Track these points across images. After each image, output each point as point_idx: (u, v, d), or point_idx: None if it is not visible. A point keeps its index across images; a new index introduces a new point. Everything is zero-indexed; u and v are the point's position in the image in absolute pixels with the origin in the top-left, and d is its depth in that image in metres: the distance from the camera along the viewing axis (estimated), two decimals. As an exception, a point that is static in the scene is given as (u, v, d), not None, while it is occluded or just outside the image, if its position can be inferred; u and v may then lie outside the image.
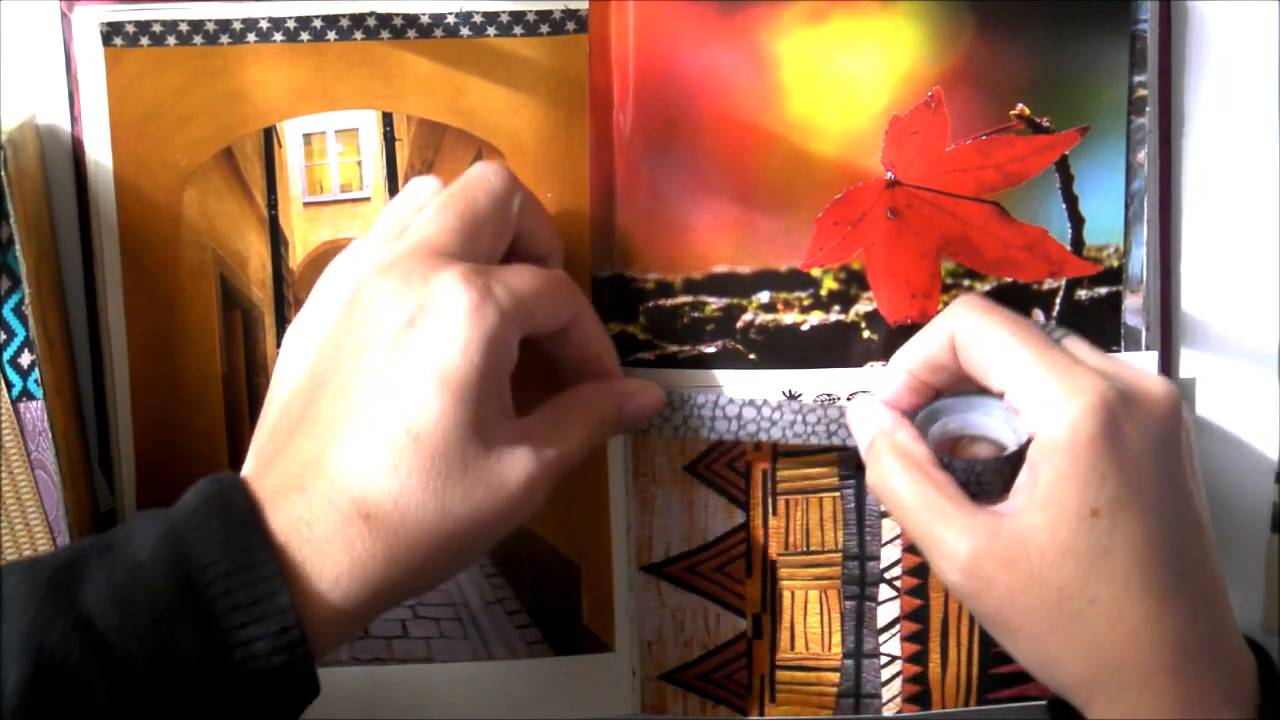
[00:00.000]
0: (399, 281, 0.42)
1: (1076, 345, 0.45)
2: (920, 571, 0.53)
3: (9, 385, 0.48)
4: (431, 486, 0.40)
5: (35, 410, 0.48)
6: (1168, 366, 0.53)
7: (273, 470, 0.41)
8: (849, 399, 0.51)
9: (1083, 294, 0.52)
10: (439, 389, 0.40)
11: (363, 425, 0.40)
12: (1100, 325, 0.52)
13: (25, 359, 0.48)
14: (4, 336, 0.48)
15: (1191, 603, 0.42)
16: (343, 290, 0.44)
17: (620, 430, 0.49)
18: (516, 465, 0.42)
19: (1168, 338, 0.53)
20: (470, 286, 0.41)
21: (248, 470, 0.43)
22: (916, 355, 0.47)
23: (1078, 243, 0.51)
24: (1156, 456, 0.42)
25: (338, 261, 0.47)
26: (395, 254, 0.43)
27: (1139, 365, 0.48)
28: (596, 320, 0.48)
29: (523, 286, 0.43)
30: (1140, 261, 0.52)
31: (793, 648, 0.54)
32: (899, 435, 0.46)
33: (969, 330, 0.45)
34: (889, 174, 0.51)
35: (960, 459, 0.46)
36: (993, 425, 0.46)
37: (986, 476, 0.45)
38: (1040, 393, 0.42)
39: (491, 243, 0.45)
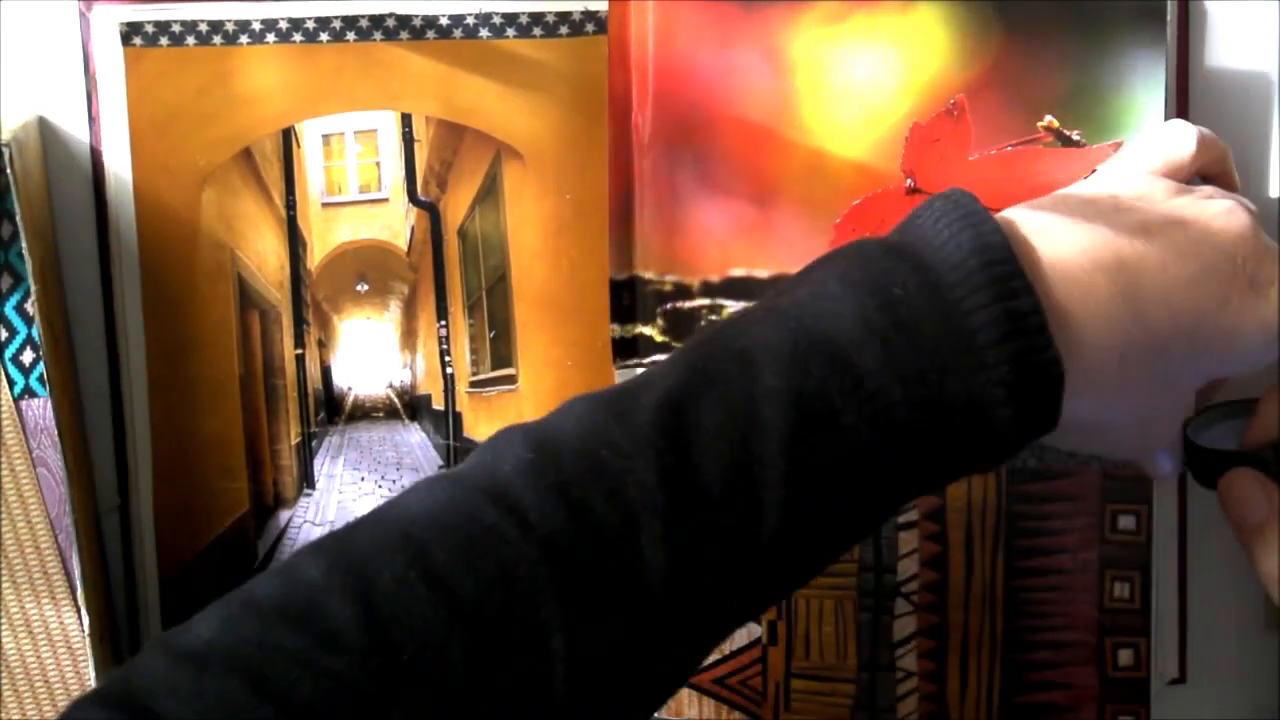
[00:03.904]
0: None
1: None
2: (938, 588, 0.52)
3: (11, 383, 0.49)
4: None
5: (37, 407, 0.49)
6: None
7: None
8: None
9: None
10: None
11: None
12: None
13: (27, 357, 0.49)
14: (6, 334, 0.49)
15: None
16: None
17: None
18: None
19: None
20: None
21: None
22: None
23: (1105, 260, 0.49)
24: None
25: None
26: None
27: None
28: None
29: None
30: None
31: (808, 656, 0.54)
32: None
33: None
34: (909, 181, 0.49)
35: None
36: None
37: None
38: None
39: None
